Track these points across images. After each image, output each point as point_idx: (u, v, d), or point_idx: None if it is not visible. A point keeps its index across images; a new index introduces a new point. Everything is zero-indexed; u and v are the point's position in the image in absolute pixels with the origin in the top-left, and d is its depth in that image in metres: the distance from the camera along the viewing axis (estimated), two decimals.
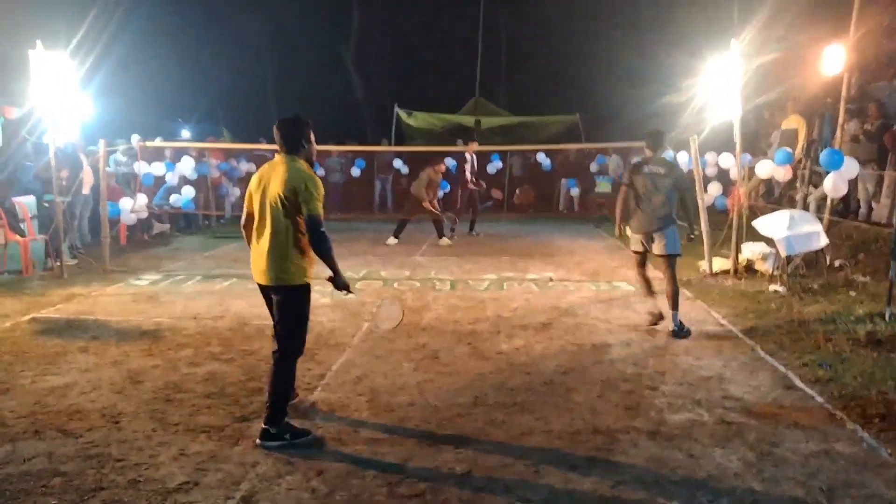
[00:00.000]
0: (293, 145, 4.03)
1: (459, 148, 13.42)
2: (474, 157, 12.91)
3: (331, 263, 3.98)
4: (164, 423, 4.17)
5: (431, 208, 11.91)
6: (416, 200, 11.89)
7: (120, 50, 15.82)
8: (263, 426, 3.89)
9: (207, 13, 23.63)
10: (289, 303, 3.98)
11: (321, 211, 3.88)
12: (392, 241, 11.87)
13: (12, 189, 9.56)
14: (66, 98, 8.61)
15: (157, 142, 12.41)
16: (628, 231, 6.36)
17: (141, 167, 11.38)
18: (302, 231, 3.92)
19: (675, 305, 6.08)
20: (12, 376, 4.97)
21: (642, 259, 6.42)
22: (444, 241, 11.97)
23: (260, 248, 4.01)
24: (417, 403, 4.51)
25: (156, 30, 20.36)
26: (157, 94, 20.92)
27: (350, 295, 4.24)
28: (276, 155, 4.11)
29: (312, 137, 4.12)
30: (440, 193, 13.10)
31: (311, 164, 4.10)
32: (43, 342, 5.85)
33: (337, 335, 6.11)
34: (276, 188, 3.88)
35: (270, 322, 4.08)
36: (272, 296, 4.05)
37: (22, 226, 9.33)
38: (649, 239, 6.18)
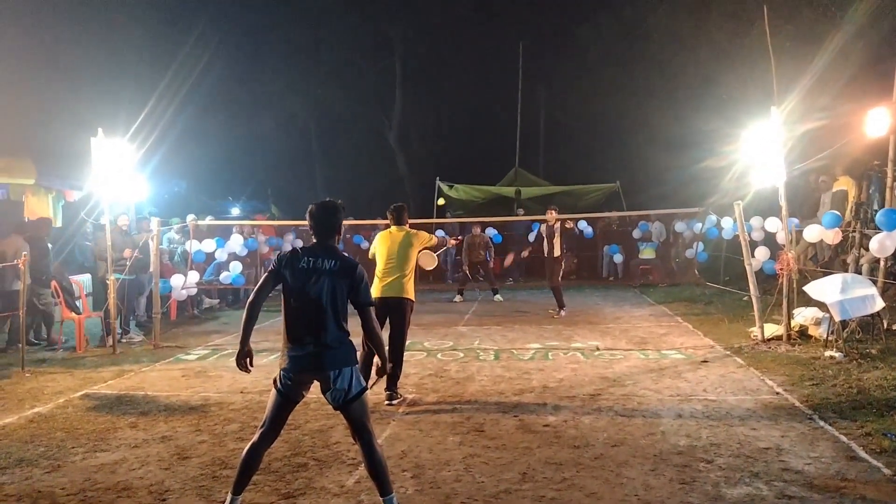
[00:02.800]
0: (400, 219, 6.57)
1: (502, 219, 13.54)
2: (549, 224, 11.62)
3: None
4: (211, 500, 4.16)
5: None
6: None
7: (175, 134, 16.68)
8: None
9: (256, 98, 24.78)
10: None
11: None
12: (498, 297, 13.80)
13: (68, 268, 9.95)
14: (123, 181, 9.03)
15: (209, 220, 12.88)
16: None
17: (192, 245, 11.75)
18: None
19: None
20: (64, 453, 5.06)
21: None
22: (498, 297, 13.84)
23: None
24: (463, 479, 4.42)
25: (208, 115, 21.40)
26: (209, 175, 21.83)
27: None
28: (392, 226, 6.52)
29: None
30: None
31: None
32: (94, 418, 5.96)
33: (381, 408, 6.07)
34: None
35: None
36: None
37: (77, 303, 9.66)
38: None
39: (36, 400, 6.61)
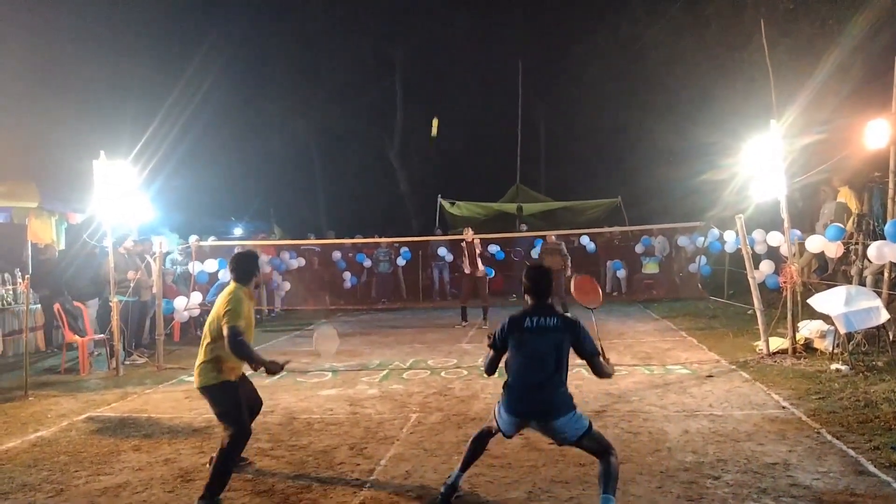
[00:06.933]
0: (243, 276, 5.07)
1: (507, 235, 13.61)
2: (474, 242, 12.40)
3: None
4: None
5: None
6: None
7: (178, 156, 16.77)
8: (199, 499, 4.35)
9: (258, 118, 24.91)
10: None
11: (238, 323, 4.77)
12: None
13: (71, 291, 9.95)
14: (125, 203, 9.06)
15: (211, 240, 12.89)
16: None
17: (195, 266, 11.75)
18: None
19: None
20: (67, 477, 5.04)
21: None
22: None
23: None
24: (469, 499, 4.38)
25: (211, 136, 21.51)
26: (212, 195, 21.90)
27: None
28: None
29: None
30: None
31: (259, 287, 4.72)
32: (97, 441, 5.94)
33: (385, 427, 6.04)
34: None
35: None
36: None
37: (80, 326, 9.66)
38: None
39: (39, 423, 6.59)
